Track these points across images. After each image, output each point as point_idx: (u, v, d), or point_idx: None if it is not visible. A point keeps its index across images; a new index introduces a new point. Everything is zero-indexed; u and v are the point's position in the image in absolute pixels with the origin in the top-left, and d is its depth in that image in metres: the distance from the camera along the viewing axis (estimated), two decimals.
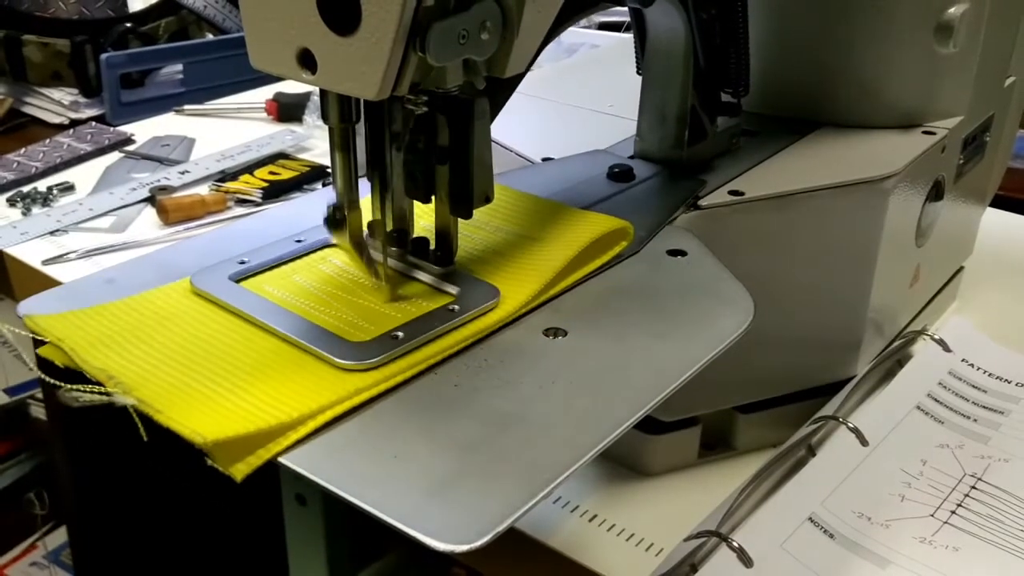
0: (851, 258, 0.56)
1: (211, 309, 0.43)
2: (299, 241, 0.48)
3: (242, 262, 0.46)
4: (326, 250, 0.48)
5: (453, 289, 0.44)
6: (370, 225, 0.46)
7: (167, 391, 0.36)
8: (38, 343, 0.41)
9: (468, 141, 0.43)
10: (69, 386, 0.37)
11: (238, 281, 0.45)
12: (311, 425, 0.36)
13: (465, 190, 0.44)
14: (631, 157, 0.58)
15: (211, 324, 0.42)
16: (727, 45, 0.55)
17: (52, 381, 0.38)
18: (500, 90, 0.45)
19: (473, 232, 0.49)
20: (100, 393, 0.36)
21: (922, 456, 0.56)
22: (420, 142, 0.44)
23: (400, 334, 0.40)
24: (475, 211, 0.45)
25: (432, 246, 0.46)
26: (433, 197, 0.45)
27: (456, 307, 0.43)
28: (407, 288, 0.45)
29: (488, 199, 0.45)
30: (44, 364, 0.40)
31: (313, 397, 0.37)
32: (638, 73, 0.57)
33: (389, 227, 0.46)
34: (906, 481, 0.54)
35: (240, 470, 0.34)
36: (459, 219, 0.46)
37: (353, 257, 0.45)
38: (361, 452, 0.36)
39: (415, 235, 0.47)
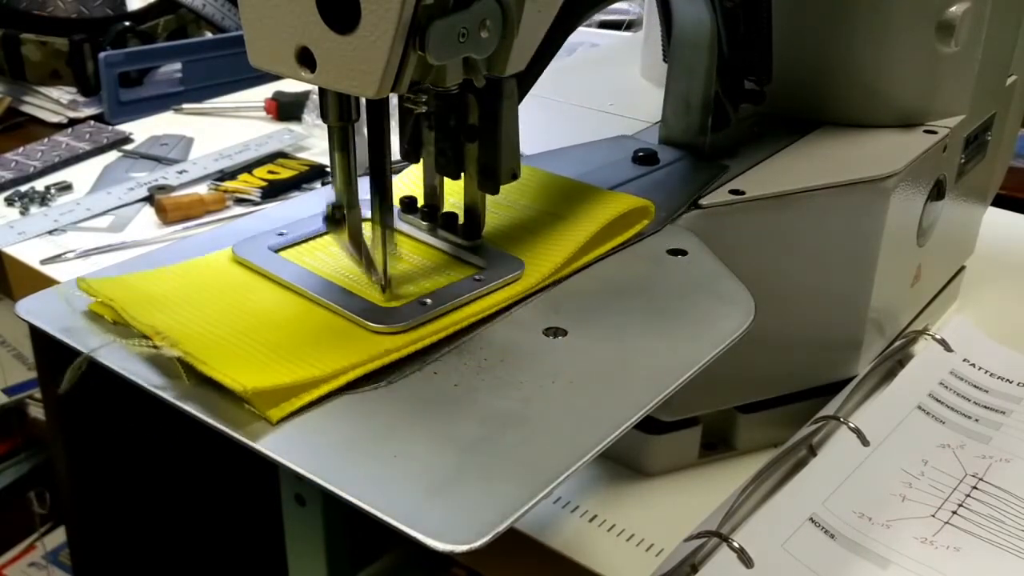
0: (852, 258, 0.56)
1: (251, 276, 0.46)
2: None
3: (280, 234, 0.48)
4: None
5: (479, 261, 0.46)
6: (404, 200, 0.49)
7: (211, 347, 0.39)
8: (37, 344, 0.42)
9: (497, 119, 0.45)
10: (125, 341, 0.40)
11: (277, 251, 0.47)
12: (342, 379, 0.39)
13: (493, 166, 0.46)
14: (657, 144, 0.59)
15: (252, 290, 0.45)
16: (751, 34, 0.56)
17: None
18: (526, 75, 0.47)
19: (501, 209, 0.51)
20: (149, 347, 0.40)
21: (923, 456, 0.56)
22: (452, 120, 0.46)
23: (428, 300, 0.43)
24: (502, 189, 0.46)
25: (460, 221, 0.48)
26: (463, 173, 0.47)
27: (481, 277, 0.45)
28: (435, 259, 0.47)
29: (515, 176, 0.47)
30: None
31: (346, 355, 0.39)
32: (664, 61, 0.58)
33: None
34: (907, 481, 0.54)
35: (275, 414, 0.37)
36: (487, 195, 0.47)
37: (352, 256, 0.46)
38: (361, 452, 0.36)
39: (445, 210, 0.49)
